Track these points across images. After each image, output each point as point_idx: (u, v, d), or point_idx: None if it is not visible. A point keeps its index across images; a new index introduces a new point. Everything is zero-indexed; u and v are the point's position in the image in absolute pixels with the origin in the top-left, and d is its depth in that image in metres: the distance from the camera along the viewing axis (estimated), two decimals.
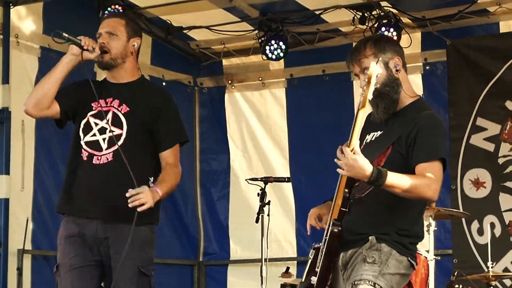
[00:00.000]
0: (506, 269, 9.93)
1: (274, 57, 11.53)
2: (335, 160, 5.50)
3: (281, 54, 11.47)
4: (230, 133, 12.60)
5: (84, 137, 6.66)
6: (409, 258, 5.76)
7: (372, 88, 5.55)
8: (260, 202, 9.34)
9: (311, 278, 5.81)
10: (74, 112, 6.77)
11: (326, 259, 5.79)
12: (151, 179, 6.62)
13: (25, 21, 11.23)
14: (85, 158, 6.61)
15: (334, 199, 5.80)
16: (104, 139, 6.61)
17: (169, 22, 11.94)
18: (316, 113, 11.73)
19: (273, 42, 11.41)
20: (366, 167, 5.43)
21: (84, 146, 6.62)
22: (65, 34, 6.57)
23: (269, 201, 9.33)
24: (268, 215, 9.30)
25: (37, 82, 11.02)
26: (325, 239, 5.77)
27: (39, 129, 11.16)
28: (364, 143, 5.81)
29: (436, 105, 8.91)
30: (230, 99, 12.69)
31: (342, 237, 5.74)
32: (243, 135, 12.42)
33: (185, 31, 12.19)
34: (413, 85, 6.35)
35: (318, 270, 5.83)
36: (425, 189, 5.55)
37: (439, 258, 8.41)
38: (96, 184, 6.57)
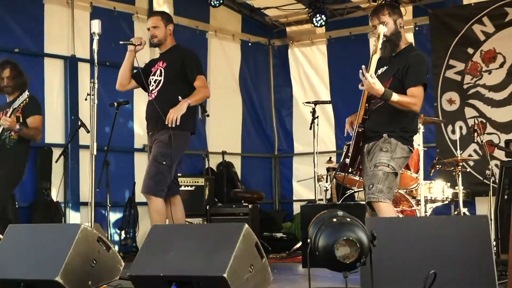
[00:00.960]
0: (469, 155, 9.83)
1: (318, 25, 11.36)
2: (360, 76, 5.76)
3: (323, 23, 11.31)
4: (292, 74, 12.44)
5: (149, 88, 7.28)
6: (409, 146, 6.00)
7: (381, 41, 5.84)
8: (312, 116, 9.28)
9: (345, 160, 6.12)
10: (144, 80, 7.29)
11: (354, 148, 6.03)
12: (180, 97, 6.97)
13: (162, 6, 11.12)
14: (148, 99, 7.32)
15: (358, 110, 5.99)
16: (155, 85, 7.21)
17: (252, 4, 11.89)
18: (346, 59, 11.57)
19: (318, 15, 11.25)
20: (380, 87, 5.71)
21: (149, 93, 7.30)
22: (121, 42, 7.26)
23: (318, 116, 9.27)
24: (317, 124, 9.25)
25: None
26: (354, 136, 6.02)
27: None
28: (376, 74, 5.94)
29: (423, 52, 8.67)
30: (292, 53, 12.51)
31: (365, 134, 5.98)
32: (300, 75, 12.31)
33: (262, 10, 12.04)
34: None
35: (349, 154, 6.07)
36: (413, 105, 5.88)
37: (426, 149, 8.29)
38: (150, 111, 7.25)
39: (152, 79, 7.24)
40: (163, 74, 7.16)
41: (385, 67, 6.06)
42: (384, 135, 5.89)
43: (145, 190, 7.08)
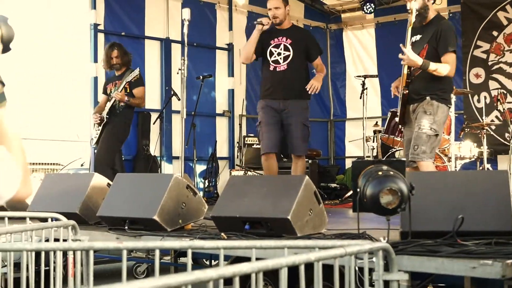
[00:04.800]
0: (492, 120, 9.65)
1: (368, 12, 11.18)
2: (400, 56, 5.67)
3: (372, 10, 11.13)
4: (345, 53, 12.30)
5: (270, 58, 6.68)
6: (447, 105, 5.85)
7: (414, 15, 5.72)
8: (362, 87, 9.19)
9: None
10: (261, 51, 6.78)
11: (402, 107, 5.93)
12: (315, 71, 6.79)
13: None
14: (271, 69, 6.65)
15: (402, 76, 5.89)
16: (280, 58, 6.64)
17: None
18: (391, 41, 11.31)
19: (368, 4, 11.08)
20: (418, 60, 5.59)
21: (271, 64, 6.66)
22: (255, 22, 6.71)
23: (367, 87, 9.17)
24: (366, 94, 9.14)
25: (248, 32, 11.08)
26: (400, 97, 5.90)
27: None
28: (412, 42, 5.82)
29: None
30: (346, 35, 12.34)
31: (409, 95, 5.84)
32: (353, 54, 12.16)
33: (322, 1, 11.90)
34: None
35: (398, 114, 6.02)
36: (448, 72, 5.68)
37: (456, 115, 8.19)
38: (279, 80, 6.65)
39: (275, 51, 6.72)
40: (291, 50, 6.67)
41: (419, 36, 5.87)
42: (427, 97, 5.73)
43: (302, 151, 6.68)
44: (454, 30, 5.88)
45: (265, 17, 6.78)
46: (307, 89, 6.52)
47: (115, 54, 8.06)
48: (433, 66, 5.61)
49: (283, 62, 6.65)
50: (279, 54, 6.66)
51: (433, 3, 5.90)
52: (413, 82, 5.82)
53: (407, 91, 5.81)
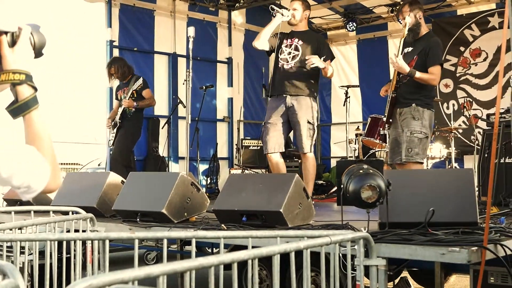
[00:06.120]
0: (459, 125, 9.63)
1: (351, 30, 11.18)
2: (390, 62, 5.81)
3: (354, 28, 11.14)
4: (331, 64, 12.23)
5: (280, 55, 6.40)
6: (431, 109, 5.79)
7: (407, 28, 5.75)
8: (345, 96, 9.18)
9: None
10: (276, 46, 6.46)
11: (390, 108, 5.87)
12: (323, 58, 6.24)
13: (238, 17, 11.10)
14: (279, 66, 6.36)
15: (391, 81, 5.91)
16: (289, 57, 6.33)
17: None
18: (370, 55, 11.41)
19: (350, 23, 11.08)
20: (406, 67, 5.62)
21: (280, 61, 6.37)
22: (275, 8, 6.29)
23: (349, 96, 9.16)
24: (349, 102, 9.13)
25: (245, 48, 11.05)
26: (389, 100, 5.88)
27: (246, 69, 11.08)
28: (403, 53, 5.87)
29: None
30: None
31: (397, 98, 5.84)
32: (337, 67, 12.02)
33: (310, 19, 11.70)
34: None
35: (386, 114, 5.89)
36: (432, 80, 5.73)
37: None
38: (285, 77, 6.25)
39: (286, 50, 6.37)
40: (300, 50, 6.31)
41: (410, 48, 5.93)
42: (413, 104, 5.73)
43: (306, 149, 6.21)
44: (441, 46, 5.96)
45: (288, 10, 6.40)
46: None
47: (113, 71, 8.20)
48: (418, 74, 5.66)
49: (291, 60, 6.30)
50: (289, 53, 6.33)
51: (420, 18, 5.92)
52: (400, 87, 5.86)
53: (395, 95, 5.86)
